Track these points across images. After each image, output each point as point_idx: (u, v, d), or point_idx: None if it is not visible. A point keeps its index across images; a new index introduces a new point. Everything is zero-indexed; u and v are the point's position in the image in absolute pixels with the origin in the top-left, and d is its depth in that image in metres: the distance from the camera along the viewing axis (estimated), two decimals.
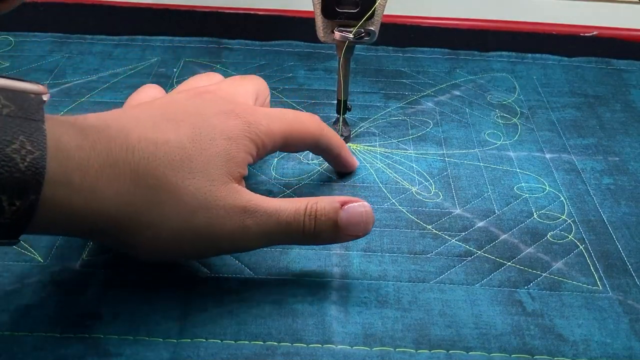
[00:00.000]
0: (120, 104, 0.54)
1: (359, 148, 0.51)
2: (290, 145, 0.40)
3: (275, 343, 0.34)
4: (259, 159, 0.38)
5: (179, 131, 0.34)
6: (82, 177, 0.30)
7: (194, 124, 0.35)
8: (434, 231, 0.43)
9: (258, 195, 0.35)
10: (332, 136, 0.44)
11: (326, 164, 0.49)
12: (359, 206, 0.36)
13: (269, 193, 0.45)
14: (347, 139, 0.51)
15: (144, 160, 0.32)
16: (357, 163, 0.48)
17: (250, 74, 0.58)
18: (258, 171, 0.48)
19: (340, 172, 0.48)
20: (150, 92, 0.43)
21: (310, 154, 0.50)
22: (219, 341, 0.34)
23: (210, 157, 0.34)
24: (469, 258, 0.41)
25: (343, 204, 0.36)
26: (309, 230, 0.35)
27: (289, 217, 0.35)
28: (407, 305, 0.37)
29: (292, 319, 0.36)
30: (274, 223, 0.35)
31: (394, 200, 0.45)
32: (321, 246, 0.41)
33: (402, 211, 0.44)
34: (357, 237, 0.37)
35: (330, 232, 0.36)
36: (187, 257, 0.38)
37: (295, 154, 0.50)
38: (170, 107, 0.37)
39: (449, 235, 0.42)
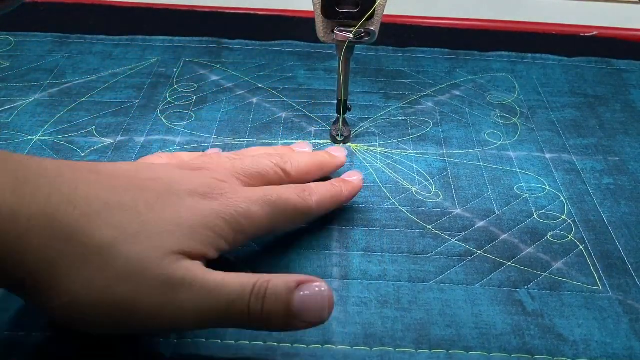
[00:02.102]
0: (120, 104, 0.55)
1: (359, 148, 0.51)
2: (280, 226, 0.38)
3: (275, 344, 0.34)
4: (237, 245, 0.34)
5: (139, 196, 0.31)
6: (12, 226, 0.28)
7: (160, 194, 0.32)
8: (434, 231, 0.43)
9: (204, 268, 0.31)
10: (325, 206, 0.41)
11: None
12: (317, 289, 0.31)
13: None
14: (347, 139, 0.52)
15: (85, 217, 0.29)
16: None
17: (250, 71, 0.58)
18: None
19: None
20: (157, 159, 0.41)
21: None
22: (219, 341, 0.34)
23: (166, 226, 0.31)
24: (469, 258, 0.41)
25: (299, 284, 0.31)
26: (255, 313, 0.30)
27: (231, 294, 0.30)
28: (407, 305, 0.37)
29: None
30: (213, 301, 0.30)
31: (394, 200, 0.45)
32: (322, 245, 0.41)
33: (402, 211, 0.44)
34: (312, 325, 0.31)
35: (281, 316, 0.30)
36: (108, 331, 0.32)
37: None
38: (145, 171, 0.34)
39: (449, 235, 0.42)
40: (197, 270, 0.30)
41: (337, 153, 0.46)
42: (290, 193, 0.37)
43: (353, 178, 0.43)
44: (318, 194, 0.39)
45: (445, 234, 0.43)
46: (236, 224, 0.33)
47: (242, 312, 0.30)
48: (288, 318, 0.30)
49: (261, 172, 0.39)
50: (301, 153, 0.43)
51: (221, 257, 0.33)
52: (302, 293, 0.30)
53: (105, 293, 0.29)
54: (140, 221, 0.30)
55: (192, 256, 0.31)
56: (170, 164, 0.38)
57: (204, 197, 0.33)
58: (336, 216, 0.44)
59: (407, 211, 0.44)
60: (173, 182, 0.34)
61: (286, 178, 0.40)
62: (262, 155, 0.40)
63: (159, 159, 0.41)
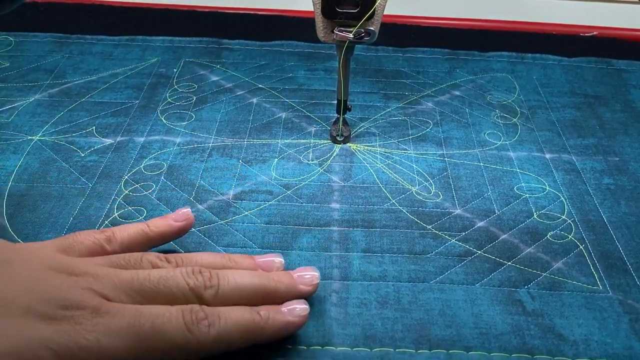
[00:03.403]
0: (120, 104, 0.55)
1: (359, 148, 0.51)
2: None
3: (276, 344, 0.34)
4: None
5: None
6: None
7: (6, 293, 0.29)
8: (434, 231, 0.43)
9: None
10: (229, 342, 0.32)
11: (327, 164, 0.49)
12: None
13: (269, 194, 0.45)
14: (347, 139, 0.52)
15: None
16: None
17: (253, 72, 0.58)
18: (258, 172, 0.48)
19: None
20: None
21: (311, 153, 0.50)
22: None
23: None
24: (469, 258, 0.41)
25: None
26: None
27: None
28: (407, 306, 0.37)
29: None
30: None
31: (394, 201, 0.45)
32: (322, 247, 0.41)
33: (402, 211, 0.44)
34: None
35: None
36: None
37: (295, 154, 0.50)
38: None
39: (449, 235, 0.42)
40: None
41: (307, 276, 0.36)
42: (174, 322, 0.30)
43: (296, 308, 0.34)
44: (221, 327, 0.31)
45: (445, 234, 0.43)
46: (70, 358, 0.28)
47: None
48: None
49: (166, 294, 0.32)
50: (242, 273, 0.35)
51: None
52: None
53: None
54: None
55: None
56: (50, 258, 0.32)
57: (41, 318, 0.28)
58: (336, 217, 0.44)
59: (407, 211, 0.44)
60: (17, 291, 0.29)
61: (199, 304, 0.32)
62: (183, 275, 0.33)
63: (87, 239, 0.35)
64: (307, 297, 0.36)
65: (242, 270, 0.35)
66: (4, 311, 0.28)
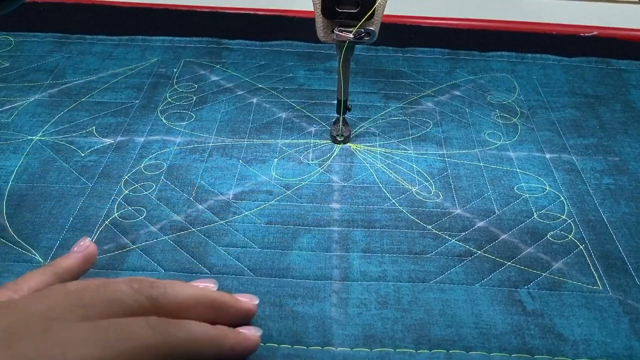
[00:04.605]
0: (120, 104, 0.55)
1: (359, 148, 0.51)
2: None
3: (275, 345, 0.34)
4: None
5: None
6: None
7: None
8: (434, 231, 0.43)
9: None
10: (198, 347, 0.30)
11: (327, 164, 0.49)
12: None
13: (269, 194, 0.45)
14: (347, 139, 0.52)
15: None
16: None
17: (254, 71, 0.58)
18: (258, 172, 0.48)
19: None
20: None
21: (311, 153, 0.50)
22: None
23: None
24: (469, 258, 0.41)
25: None
26: None
27: None
28: (407, 306, 0.37)
29: (292, 321, 0.36)
30: None
31: (394, 201, 0.45)
32: (322, 247, 0.41)
33: (402, 211, 0.44)
34: None
35: None
36: None
37: (295, 154, 0.50)
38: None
39: (449, 235, 0.42)
40: None
41: (244, 298, 0.35)
42: (138, 325, 0.28)
43: (250, 331, 0.33)
44: (188, 330, 0.30)
45: (445, 234, 0.43)
46: None
47: None
48: None
49: (111, 301, 0.29)
50: (187, 285, 0.33)
51: None
52: None
53: None
54: None
55: None
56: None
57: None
58: (336, 217, 0.44)
59: (407, 211, 0.44)
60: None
61: (153, 310, 0.30)
62: (123, 281, 0.31)
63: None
64: (249, 314, 0.35)
65: (182, 283, 0.33)
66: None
